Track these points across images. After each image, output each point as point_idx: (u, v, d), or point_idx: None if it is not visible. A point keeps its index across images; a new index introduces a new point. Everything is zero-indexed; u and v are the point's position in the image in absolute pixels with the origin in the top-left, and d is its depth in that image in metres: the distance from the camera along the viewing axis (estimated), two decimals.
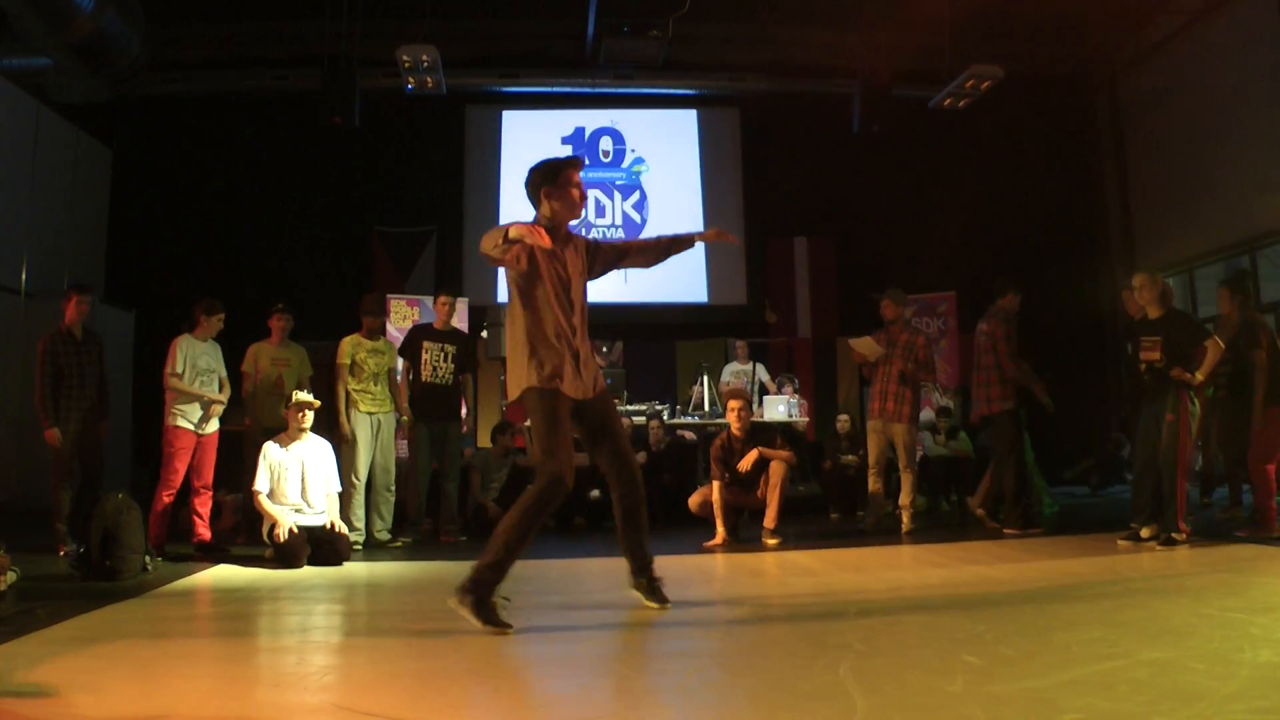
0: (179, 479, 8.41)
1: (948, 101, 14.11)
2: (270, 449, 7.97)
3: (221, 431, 8.77)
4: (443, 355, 9.56)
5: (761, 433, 9.18)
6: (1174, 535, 7.43)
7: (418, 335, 9.73)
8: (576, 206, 5.52)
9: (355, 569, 7.55)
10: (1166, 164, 15.15)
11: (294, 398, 8.17)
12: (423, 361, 9.51)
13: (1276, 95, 12.77)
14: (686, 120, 17.03)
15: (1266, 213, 13.12)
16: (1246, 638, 4.06)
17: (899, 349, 9.43)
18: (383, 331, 9.92)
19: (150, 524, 8.03)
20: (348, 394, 9.11)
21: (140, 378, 8.33)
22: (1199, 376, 7.56)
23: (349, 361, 9.17)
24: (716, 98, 16.85)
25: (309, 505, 7.91)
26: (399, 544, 8.93)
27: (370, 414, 9.12)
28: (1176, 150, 14.85)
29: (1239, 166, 13.53)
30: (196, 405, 8.46)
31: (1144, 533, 7.70)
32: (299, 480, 7.94)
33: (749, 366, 13.41)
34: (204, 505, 8.56)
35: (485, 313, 12.91)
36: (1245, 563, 6.62)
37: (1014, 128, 15.54)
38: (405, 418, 9.43)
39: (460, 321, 13.33)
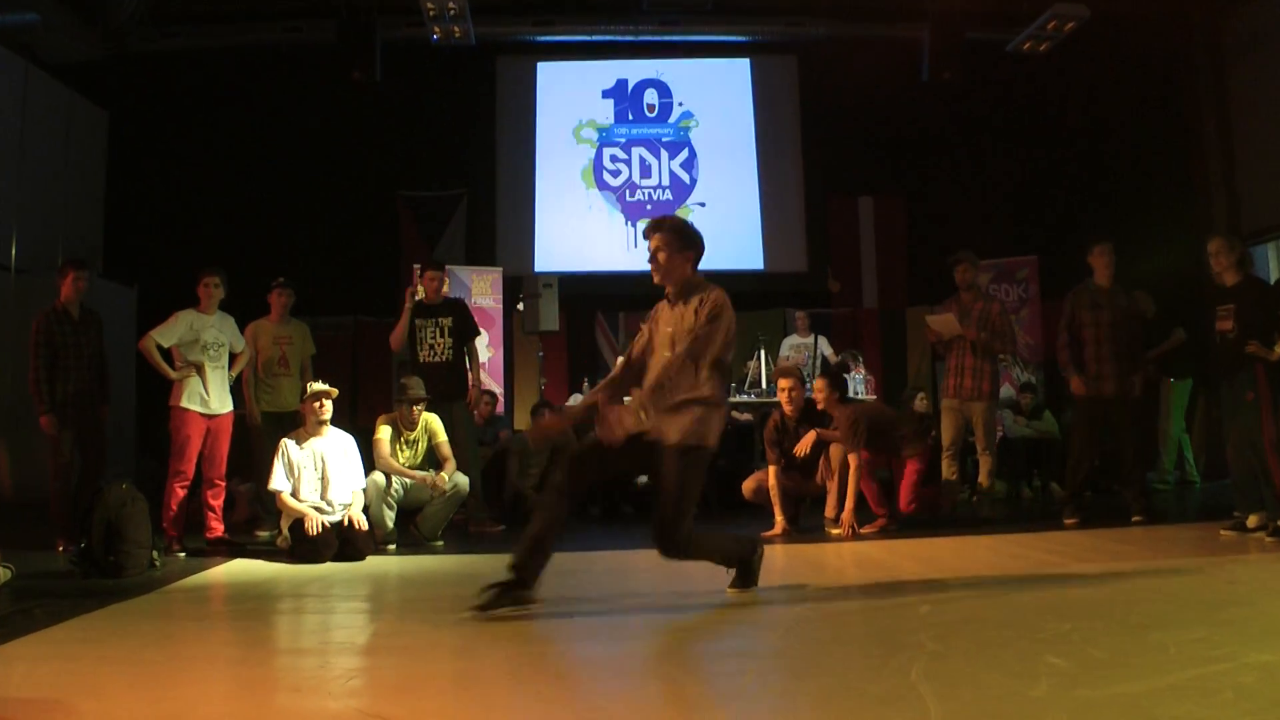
0: (192, 467, 8.45)
1: (1027, 45, 13.94)
2: (288, 446, 7.97)
3: (236, 415, 8.84)
4: (438, 330, 9.57)
5: (817, 412, 9.14)
6: None
7: (409, 317, 9.72)
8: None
9: (381, 564, 7.59)
10: (1275, 115, 14.91)
11: (309, 388, 8.17)
12: (419, 341, 9.54)
13: None
14: (739, 70, 16.93)
15: None
16: None
17: (974, 318, 9.34)
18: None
19: (164, 518, 8.12)
20: None
21: (144, 358, 8.36)
22: (1278, 350, 7.44)
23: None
24: (772, 45, 16.73)
25: (329, 505, 7.89)
26: (439, 543, 8.93)
27: None
28: None
29: None
30: (199, 383, 8.49)
31: (1250, 521, 7.59)
32: (318, 479, 7.94)
33: (810, 339, 13.34)
34: (216, 499, 8.63)
35: (522, 283, 12.91)
36: None
37: (1101, 74, 15.26)
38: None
39: (496, 293, 13.42)
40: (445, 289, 9.93)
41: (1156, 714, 3.10)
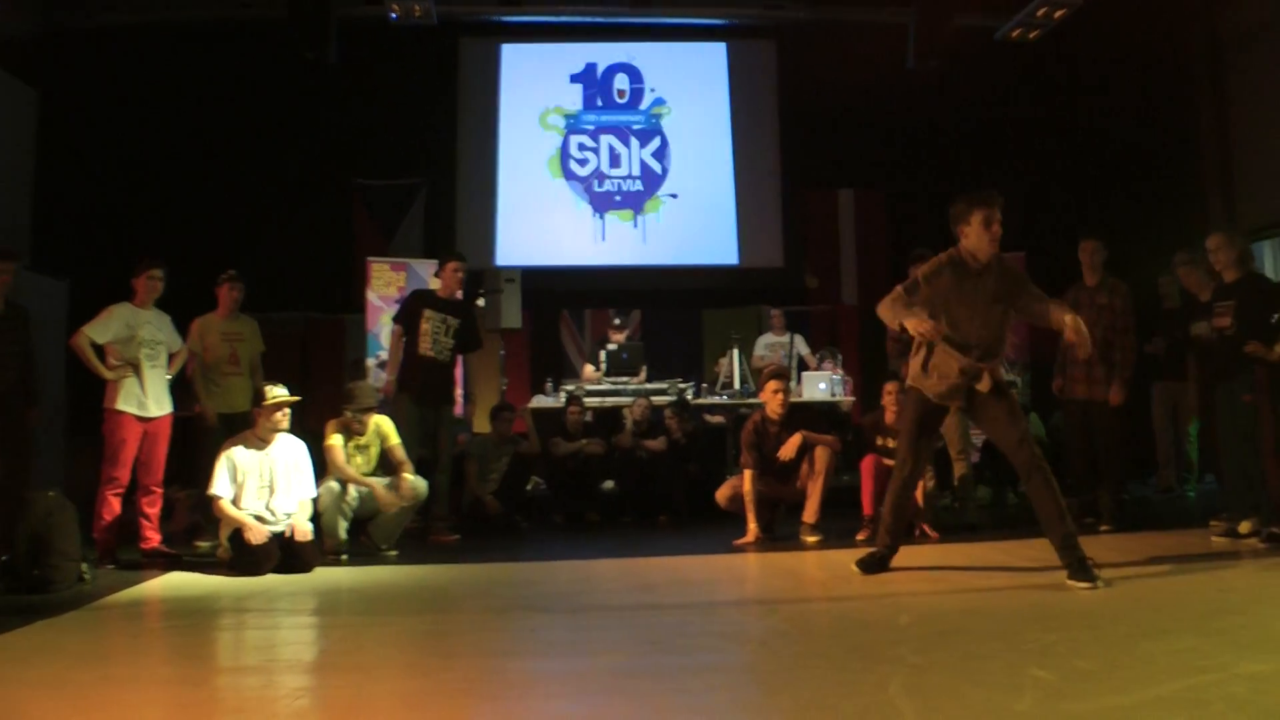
0: (126, 473, 8.30)
1: (1016, 33, 14.00)
2: (235, 452, 7.82)
3: (175, 418, 8.73)
4: (445, 328, 9.52)
5: (801, 415, 9.15)
6: (1275, 530, 7.39)
7: (418, 302, 9.67)
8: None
9: (331, 576, 7.51)
10: (1273, 110, 15.00)
11: (270, 394, 7.96)
12: (421, 331, 9.44)
13: None
14: (714, 55, 16.95)
15: None
16: None
17: None
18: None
19: (96, 528, 8.02)
20: None
21: (76, 356, 8.23)
22: (1278, 351, 7.49)
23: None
24: (749, 29, 16.78)
25: (272, 514, 7.76)
26: (393, 552, 8.85)
27: None
28: None
29: None
30: (135, 383, 8.37)
31: (1242, 527, 7.67)
32: (266, 487, 7.83)
33: (786, 338, 13.38)
34: (153, 506, 8.46)
35: (483, 278, 12.88)
36: None
37: (1093, 64, 15.32)
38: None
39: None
40: (395, 282, 9.89)
41: None
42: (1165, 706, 3.32)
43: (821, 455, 8.64)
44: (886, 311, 6.47)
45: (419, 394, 9.32)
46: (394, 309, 11.15)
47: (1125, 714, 3.26)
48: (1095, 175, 15.36)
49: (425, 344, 9.44)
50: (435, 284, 10.04)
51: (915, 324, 6.21)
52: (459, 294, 9.82)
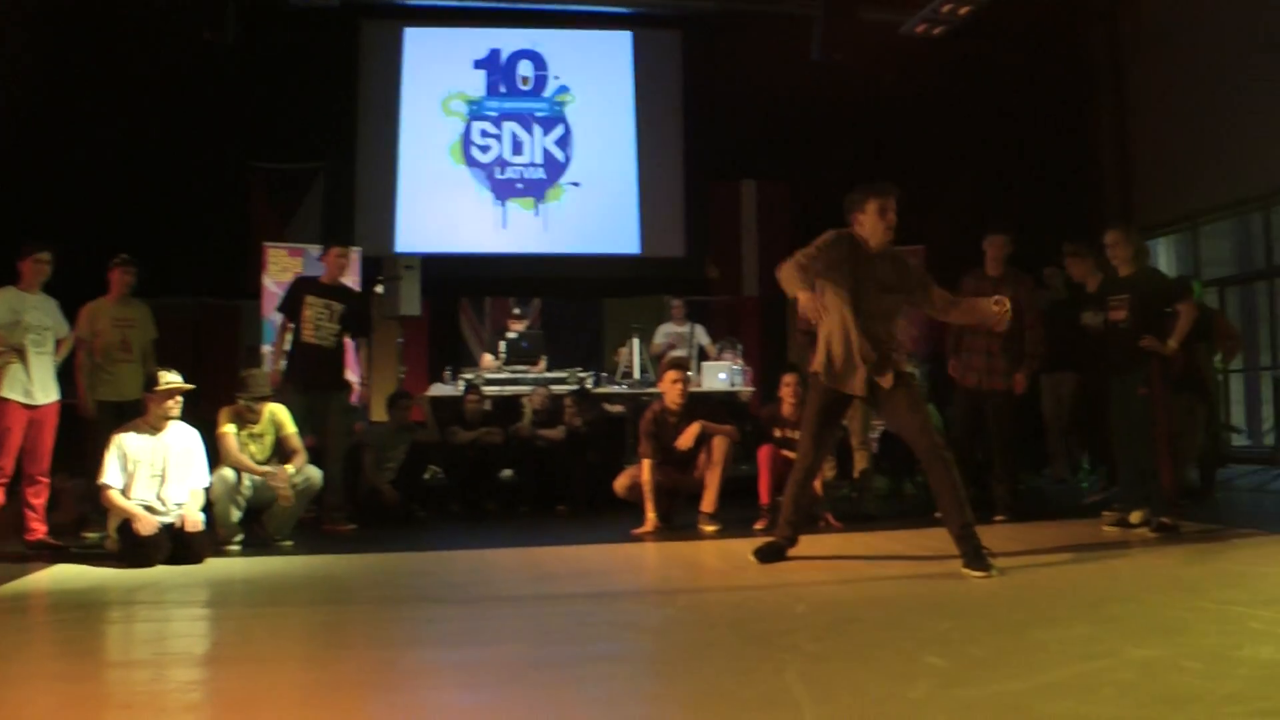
0: (11, 462, 8.12)
1: (922, 28, 14.11)
2: (125, 440, 7.64)
3: (62, 405, 8.55)
4: (328, 313, 9.40)
5: (700, 405, 9.19)
6: (1165, 520, 7.54)
7: (300, 288, 9.58)
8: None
9: (223, 567, 7.41)
10: (1171, 107, 15.25)
11: (163, 380, 7.77)
12: (304, 319, 9.34)
13: None
14: (620, 44, 16.94)
15: None
16: (1246, 633, 4.13)
17: None
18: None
19: None
20: None
21: None
22: (1172, 344, 7.65)
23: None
24: (656, 18, 16.79)
25: (162, 504, 7.60)
26: (288, 543, 8.75)
27: None
28: (1183, 92, 14.93)
29: (1254, 113, 13.68)
30: (21, 370, 8.19)
31: (1133, 517, 7.82)
32: (157, 477, 7.66)
33: (686, 329, 13.39)
34: (38, 497, 8.26)
35: (382, 265, 12.78)
36: (1245, 552, 6.75)
37: (998, 61, 15.49)
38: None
39: (353, 274, 13.25)
40: (292, 267, 9.78)
41: (1037, 712, 3.17)
42: (1056, 692, 3.37)
43: (719, 445, 8.68)
44: (786, 276, 6.46)
45: (306, 382, 9.20)
46: None
47: (1017, 700, 3.31)
48: (997, 170, 15.53)
49: (309, 331, 9.33)
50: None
51: (805, 300, 6.22)
52: (344, 279, 9.71)
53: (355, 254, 12.59)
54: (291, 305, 9.45)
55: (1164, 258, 15.85)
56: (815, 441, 6.72)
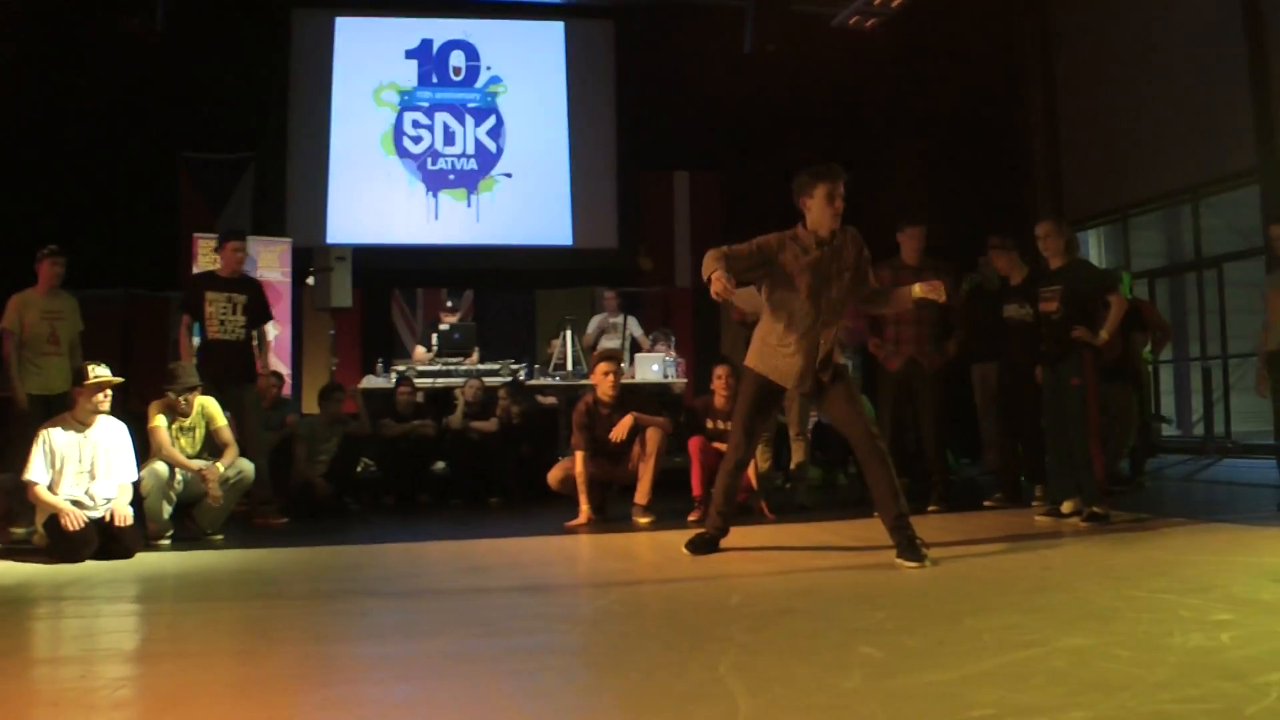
0: None
1: (854, 20, 14.21)
2: (52, 435, 7.49)
3: None
4: (231, 307, 9.26)
5: (633, 396, 9.20)
6: (1096, 510, 7.62)
7: (199, 285, 9.45)
8: None
9: (154, 561, 7.32)
10: (1101, 99, 15.43)
11: (91, 374, 7.62)
12: (207, 315, 9.21)
13: (1224, 30, 13.09)
14: (552, 34, 16.95)
15: (1211, 159, 13.47)
16: (1176, 621, 4.18)
17: None
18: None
19: None
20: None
21: None
22: (1103, 335, 7.73)
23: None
24: (588, 8, 16.83)
25: (91, 499, 7.47)
26: (219, 537, 8.66)
27: None
28: (1113, 84, 15.13)
29: (1182, 106, 13.87)
30: None
31: (1064, 507, 7.91)
32: (85, 472, 7.54)
33: (619, 320, 13.40)
34: None
35: (313, 256, 12.70)
36: (1176, 540, 6.82)
37: (929, 53, 15.60)
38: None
39: (284, 266, 13.18)
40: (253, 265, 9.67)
41: (969, 700, 3.18)
42: (989, 681, 3.40)
43: (653, 437, 8.69)
44: (708, 258, 6.29)
45: (217, 378, 8.98)
46: None
47: (950, 689, 3.33)
48: (929, 162, 15.63)
49: (214, 327, 9.20)
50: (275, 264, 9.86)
51: (716, 278, 6.01)
52: (240, 271, 9.63)
53: (280, 244, 12.56)
54: (192, 303, 9.31)
55: (1094, 250, 16.05)
56: (747, 433, 6.69)
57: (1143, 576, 5.35)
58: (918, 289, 6.36)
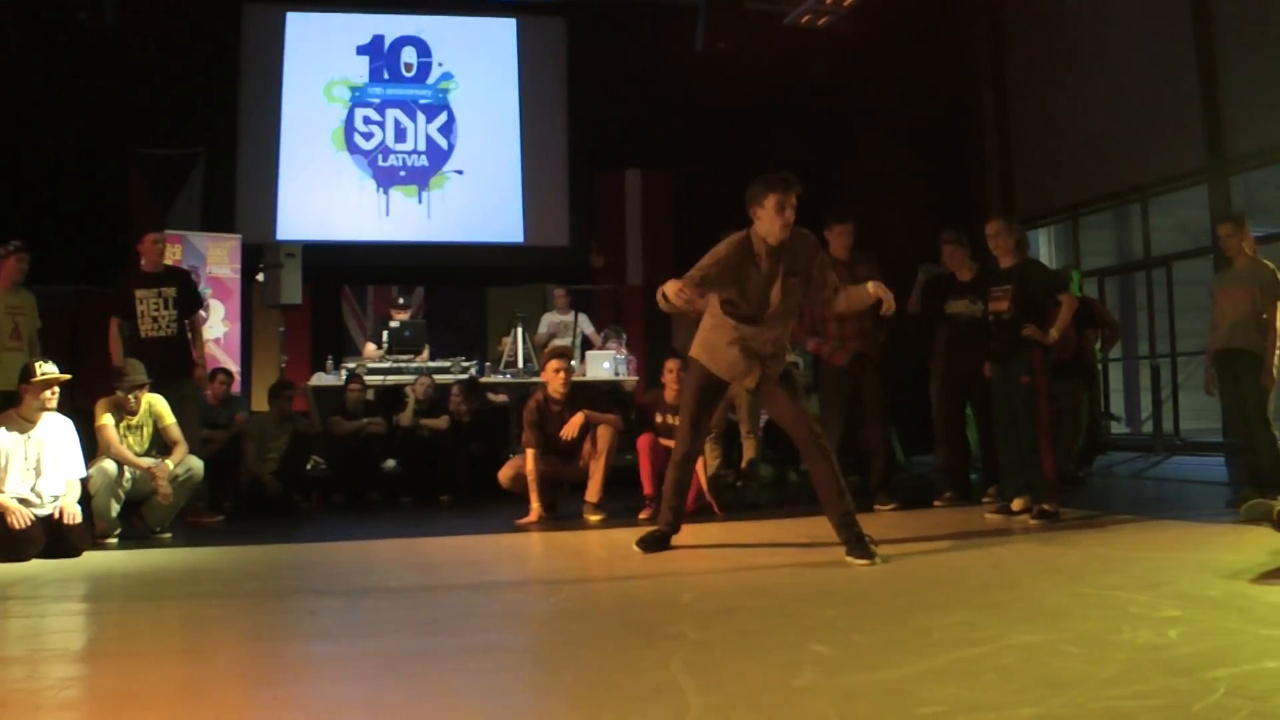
0: None
1: (806, 19, 14.21)
2: None
3: None
4: (162, 302, 9.16)
5: (584, 394, 9.19)
6: (1046, 507, 7.66)
7: (126, 285, 9.26)
8: None
9: (101, 560, 7.28)
10: (1051, 99, 15.55)
11: (38, 371, 7.54)
12: (139, 314, 9.10)
13: (1173, 31, 13.21)
14: (504, 31, 16.92)
15: (1160, 159, 13.59)
16: (1125, 617, 4.20)
17: None
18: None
19: None
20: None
21: None
22: (1053, 334, 7.78)
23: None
24: (540, 5, 16.81)
25: (38, 497, 7.39)
26: (167, 535, 8.59)
27: None
28: (1063, 84, 15.26)
29: (1132, 106, 13.99)
30: None
31: (1015, 505, 7.95)
32: (31, 470, 7.45)
33: (569, 317, 13.39)
34: None
35: (263, 252, 12.63)
36: (1125, 537, 6.87)
37: (881, 52, 15.60)
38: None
39: (234, 262, 13.09)
40: (172, 255, 9.55)
41: (920, 697, 3.19)
42: (939, 678, 3.41)
43: (603, 434, 8.68)
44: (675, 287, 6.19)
45: (155, 377, 8.79)
46: None
47: (901, 686, 3.34)
48: (881, 161, 15.66)
49: (146, 325, 9.10)
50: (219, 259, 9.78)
51: (673, 289, 6.04)
52: (164, 264, 9.53)
53: (229, 239, 12.49)
54: (122, 304, 9.19)
55: (1044, 248, 16.17)
56: (694, 426, 6.69)
57: (1092, 573, 5.39)
58: (871, 287, 6.36)
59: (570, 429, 8.70)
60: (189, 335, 9.40)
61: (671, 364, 9.16)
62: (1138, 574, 5.34)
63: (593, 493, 8.61)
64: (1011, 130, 16.43)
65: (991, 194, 16.47)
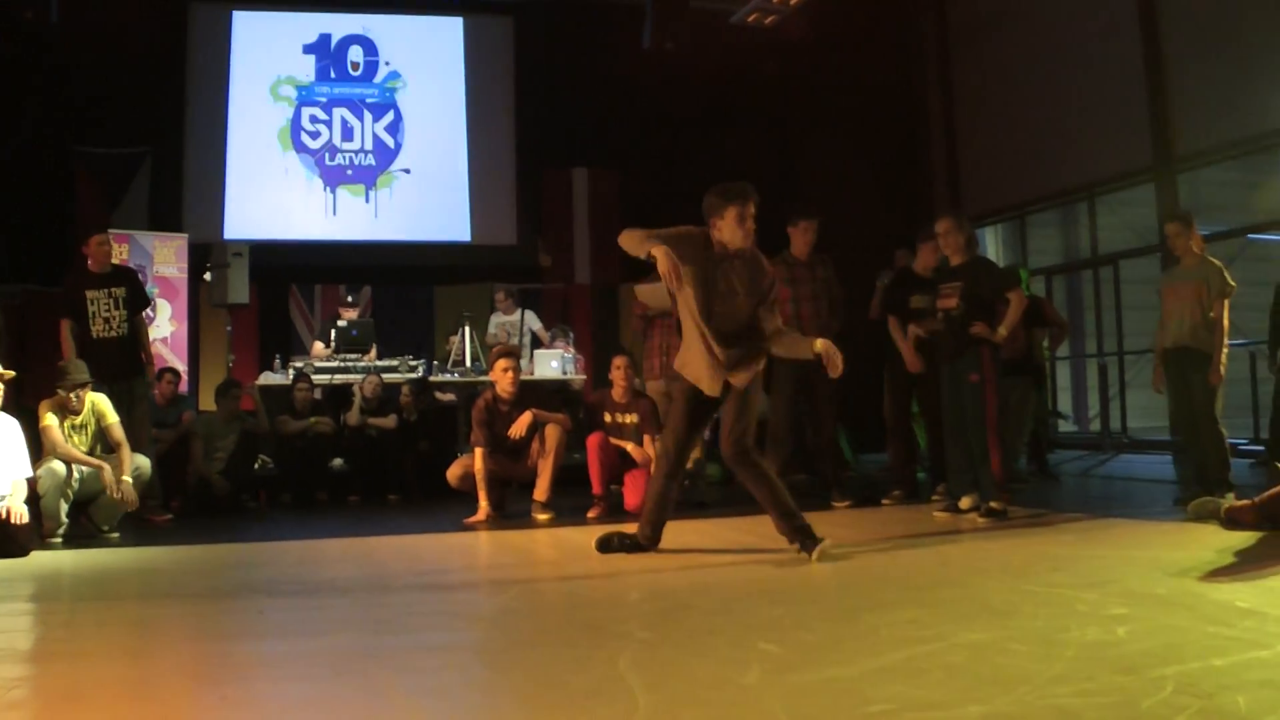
0: None
1: (753, 17, 14.24)
2: None
3: None
4: (112, 302, 9.09)
5: (533, 393, 9.18)
6: (993, 505, 7.68)
7: (76, 287, 9.16)
8: None
9: (49, 560, 7.22)
10: (998, 98, 15.64)
11: None
12: (91, 315, 9.02)
13: (1120, 30, 13.32)
14: (451, 29, 16.87)
15: (1107, 157, 13.70)
16: (1072, 615, 4.24)
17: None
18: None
19: None
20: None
21: None
22: (1001, 332, 7.80)
23: None
24: (487, 4, 16.74)
25: None
26: (115, 534, 8.51)
27: None
28: (1010, 83, 15.36)
29: (1078, 105, 14.09)
30: None
31: (962, 503, 7.97)
32: None
33: (515, 316, 13.36)
34: None
35: (210, 252, 12.55)
36: (1072, 535, 6.92)
37: (828, 51, 15.68)
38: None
39: (181, 262, 13.00)
40: (119, 254, 9.48)
41: (868, 695, 3.20)
42: (887, 676, 3.43)
43: (552, 433, 8.65)
44: (629, 239, 6.22)
45: (105, 376, 8.79)
46: None
47: (849, 684, 3.35)
48: (827, 158, 15.73)
49: (98, 326, 9.03)
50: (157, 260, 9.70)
51: (661, 256, 5.94)
52: (112, 264, 9.45)
53: (175, 239, 12.42)
54: (72, 306, 9.09)
55: (991, 247, 16.27)
56: (677, 442, 6.55)
57: (1040, 571, 5.43)
58: (819, 345, 6.30)
59: (518, 428, 8.67)
60: (139, 334, 9.35)
61: (619, 361, 9.16)
62: (1085, 572, 5.38)
63: (541, 492, 8.59)
64: (958, 129, 16.52)
65: (939, 193, 16.54)
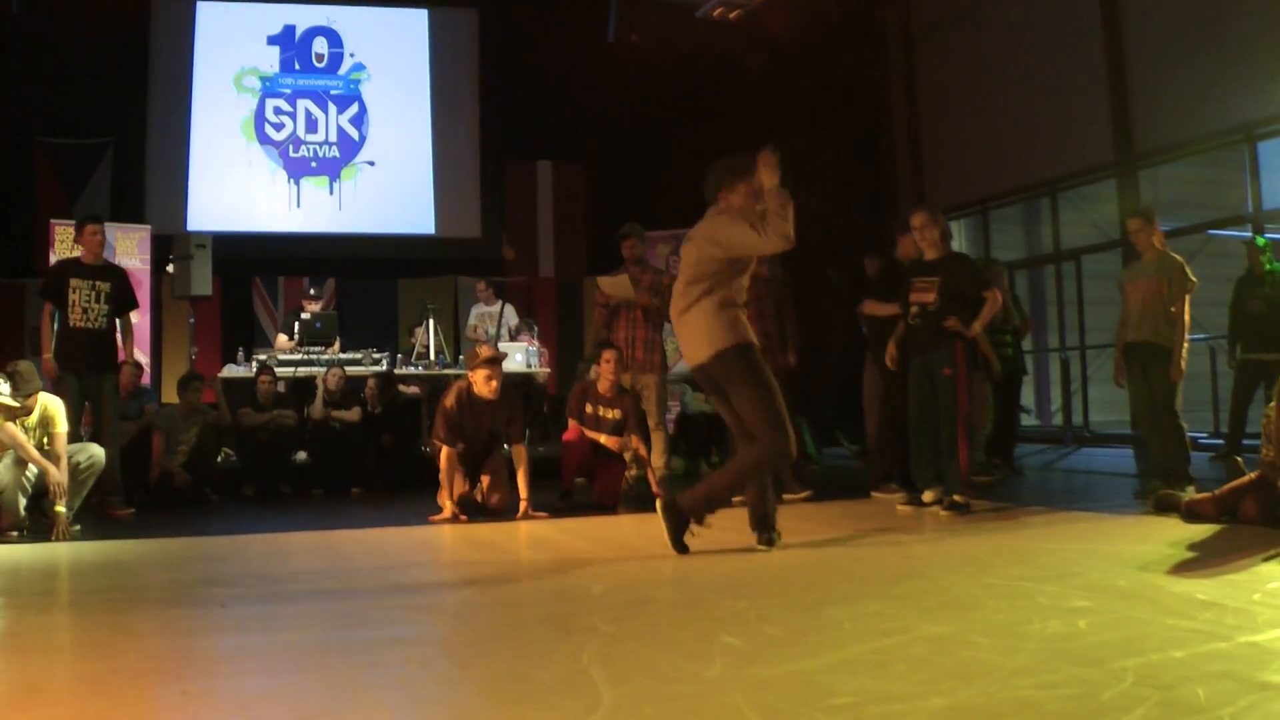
0: None
1: (718, 11, 14.23)
2: None
3: None
4: (95, 294, 9.06)
5: (505, 393, 9.14)
6: (957, 499, 7.68)
7: (63, 271, 9.18)
8: None
9: (6, 554, 7.11)
10: (962, 94, 15.70)
11: None
12: (70, 303, 8.99)
13: (1082, 27, 13.38)
14: (415, 21, 16.84)
15: (1069, 153, 13.76)
16: (1035, 608, 4.25)
17: (644, 287, 9.42)
18: None
19: None
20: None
21: None
22: (975, 327, 7.82)
23: None
24: None
25: None
26: (75, 528, 8.44)
27: None
28: (973, 78, 15.42)
29: (1041, 102, 14.16)
30: None
31: (926, 496, 8.01)
32: None
33: (495, 308, 13.32)
34: None
35: (173, 243, 12.48)
36: (1035, 529, 6.95)
37: (792, 45, 15.69)
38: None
39: (143, 253, 12.92)
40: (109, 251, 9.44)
41: (831, 688, 3.20)
42: (850, 669, 3.43)
43: (519, 453, 8.45)
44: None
45: (76, 365, 8.85)
46: None
47: (812, 677, 3.35)
48: (792, 152, 15.69)
49: (77, 315, 8.99)
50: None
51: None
52: (104, 260, 9.41)
53: (138, 231, 12.33)
54: (55, 291, 9.07)
55: (955, 241, 16.30)
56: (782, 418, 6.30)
57: (1002, 564, 5.44)
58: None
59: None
60: (118, 332, 9.30)
61: (609, 354, 9.07)
62: (1047, 565, 5.40)
63: (525, 503, 8.32)
64: (922, 123, 16.57)
65: (902, 187, 16.59)
